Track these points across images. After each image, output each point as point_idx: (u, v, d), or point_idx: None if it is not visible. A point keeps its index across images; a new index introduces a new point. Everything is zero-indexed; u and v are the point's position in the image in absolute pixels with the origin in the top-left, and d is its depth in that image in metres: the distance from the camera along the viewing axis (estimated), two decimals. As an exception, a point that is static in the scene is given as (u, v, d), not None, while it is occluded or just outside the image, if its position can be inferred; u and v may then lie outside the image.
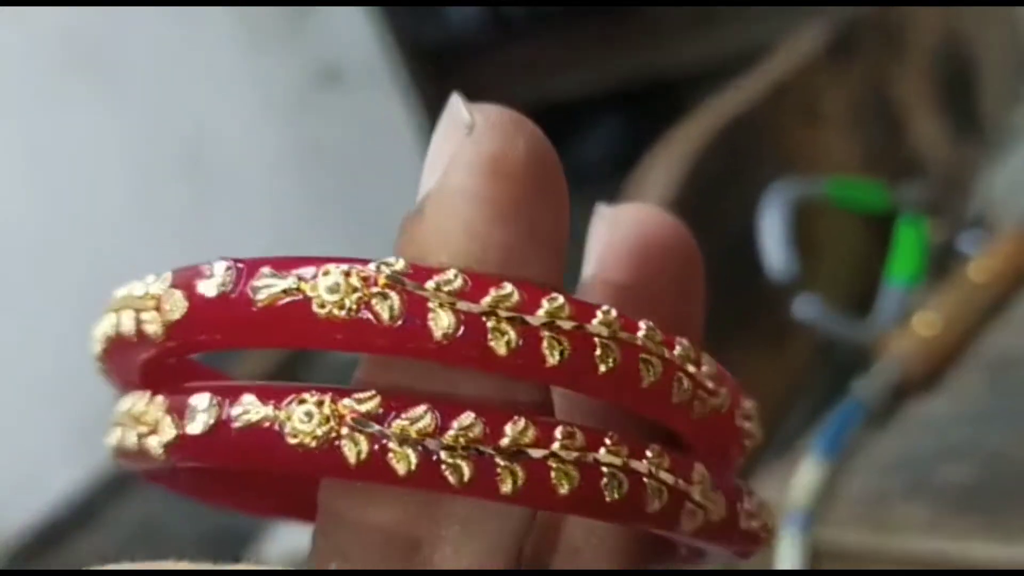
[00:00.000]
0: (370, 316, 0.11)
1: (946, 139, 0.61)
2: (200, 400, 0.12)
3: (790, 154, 0.49)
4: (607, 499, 0.12)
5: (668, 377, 0.12)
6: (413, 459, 0.11)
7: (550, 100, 1.96)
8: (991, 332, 0.45)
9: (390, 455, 0.11)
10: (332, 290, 0.11)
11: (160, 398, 0.13)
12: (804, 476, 0.39)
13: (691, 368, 0.12)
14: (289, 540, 0.84)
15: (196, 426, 0.12)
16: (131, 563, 0.13)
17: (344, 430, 0.11)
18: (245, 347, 0.12)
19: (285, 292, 0.11)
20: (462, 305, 0.11)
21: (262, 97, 1.49)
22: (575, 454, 0.11)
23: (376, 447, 0.11)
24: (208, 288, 0.12)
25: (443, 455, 0.11)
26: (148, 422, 0.12)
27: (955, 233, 0.51)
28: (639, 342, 0.12)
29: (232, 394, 0.12)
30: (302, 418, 0.11)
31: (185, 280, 0.12)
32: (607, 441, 0.12)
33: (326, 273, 0.11)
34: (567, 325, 0.11)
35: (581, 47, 1.96)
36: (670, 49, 1.81)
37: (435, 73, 1.74)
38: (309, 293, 0.11)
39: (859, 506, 0.38)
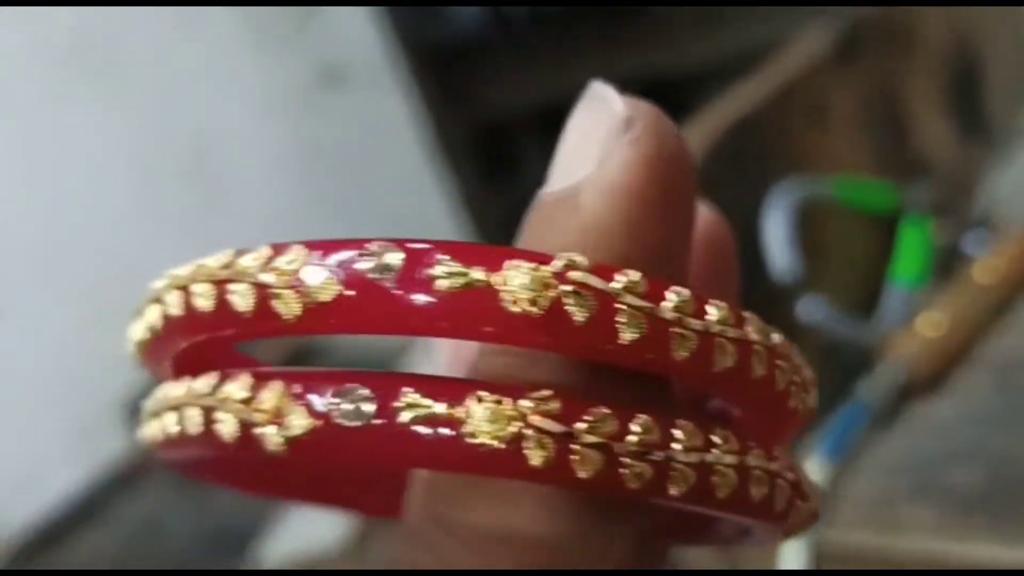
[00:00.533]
0: (557, 314, 0.11)
1: (953, 140, 0.61)
2: (353, 391, 0.11)
3: (796, 155, 0.48)
4: (753, 500, 0.12)
5: (788, 384, 0.13)
6: (598, 463, 0.11)
7: (552, 100, 1.95)
8: (997, 333, 0.45)
9: (573, 458, 0.11)
10: (527, 287, 0.11)
11: (279, 384, 0.11)
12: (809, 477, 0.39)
13: (802, 375, 0.13)
14: (289, 541, 0.84)
15: (350, 419, 0.11)
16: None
17: (529, 431, 0.11)
18: (402, 335, 0.12)
19: (469, 284, 0.11)
20: (648, 308, 0.11)
21: (265, 97, 1.49)
22: (733, 458, 0.12)
23: (561, 449, 0.11)
24: (372, 271, 0.11)
25: (627, 459, 0.11)
26: (265, 410, 0.11)
27: (960, 234, 0.51)
28: (777, 350, 0.12)
29: (378, 385, 0.11)
30: (488, 417, 0.11)
31: (337, 259, 0.11)
32: (750, 445, 0.12)
33: (516, 267, 0.11)
34: (733, 333, 0.12)
35: (583, 47, 1.96)
36: (673, 49, 1.81)
37: (437, 73, 1.74)
38: (497, 286, 0.11)
39: (864, 508, 0.38)
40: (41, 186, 1.24)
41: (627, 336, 0.11)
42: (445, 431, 0.11)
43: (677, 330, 0.11)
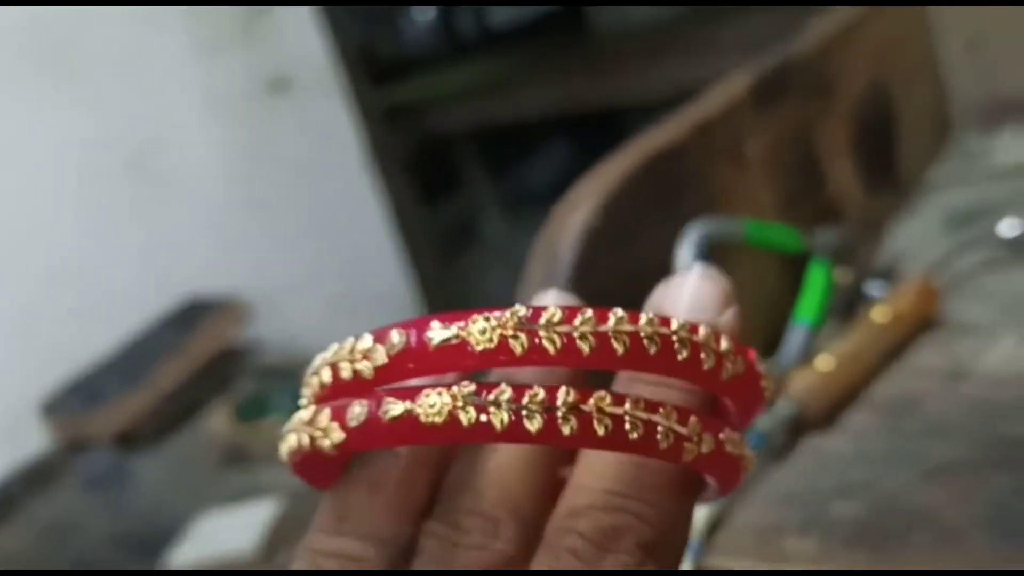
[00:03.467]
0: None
1: (862, 189, 0.63)
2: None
3: (712, 191, 0.50)
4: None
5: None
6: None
7: (498, 120, 1.97)
8: (889, 376, 0.47)
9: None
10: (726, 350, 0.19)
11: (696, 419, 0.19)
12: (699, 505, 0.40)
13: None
14: (201, 545, 0.83)
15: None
16: None
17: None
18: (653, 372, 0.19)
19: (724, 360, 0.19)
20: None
21: (211, 101, 1.48)
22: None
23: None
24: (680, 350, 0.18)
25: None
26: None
27: (864, 279, 0.53)
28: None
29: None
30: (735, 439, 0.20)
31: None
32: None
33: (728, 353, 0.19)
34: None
35: (532, 70, 1.98)
36: (620, 80, 1.84)
37: (383, 85, 1.75)
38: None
39: (751, 536, 0.39)
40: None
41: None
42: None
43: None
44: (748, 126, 0.53)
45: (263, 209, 1.52)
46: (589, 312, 0.17)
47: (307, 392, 0.19)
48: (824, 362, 0.45)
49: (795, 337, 0.48)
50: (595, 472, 0.18)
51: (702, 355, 0.18)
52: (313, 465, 0.19)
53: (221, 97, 1.49)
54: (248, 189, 1.51)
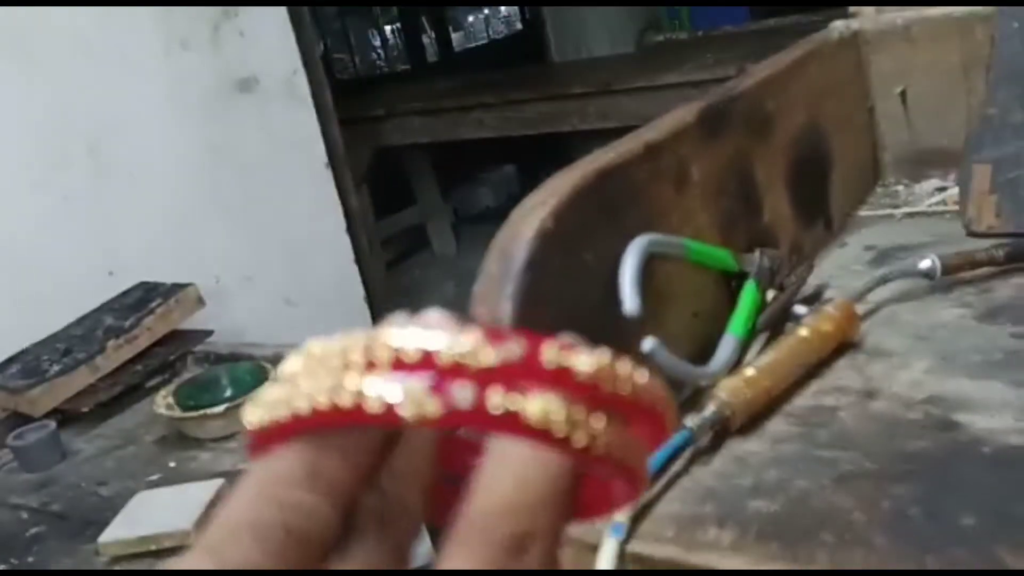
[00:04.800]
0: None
1: (796, 219, 0.67)
2: None
3: (656, 208, 0.53)
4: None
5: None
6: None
7: (452, 139, 2.00)
8: (810, 389, 0.51)
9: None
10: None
11: None
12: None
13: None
14: (129, 526, 0.83)
15: None
16: None
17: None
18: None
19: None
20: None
21: (177, 95, 1.48)
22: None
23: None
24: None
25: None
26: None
27: (792, 301, 0.56)
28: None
29: None
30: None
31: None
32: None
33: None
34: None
35: (489, 95, 2.01)
36: (572, 110, 1.88)
37: (347, 94, 1.77)
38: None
39: (673, 526, 0.43)
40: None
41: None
42: None
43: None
44: (693, 152, 0.57)
45: (220, 202, 1.53)
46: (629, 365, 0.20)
47: (335, 363, 0.20)
48: (750, 373, 0.49)
49: (725, 348, 0.52)
50: (516, 485, 0.21)
51: (660, 411, 0.21)
52: (291, 433, 0.20)
53: (187, 91, 1.50)
54: (207, 182, 1.52)
